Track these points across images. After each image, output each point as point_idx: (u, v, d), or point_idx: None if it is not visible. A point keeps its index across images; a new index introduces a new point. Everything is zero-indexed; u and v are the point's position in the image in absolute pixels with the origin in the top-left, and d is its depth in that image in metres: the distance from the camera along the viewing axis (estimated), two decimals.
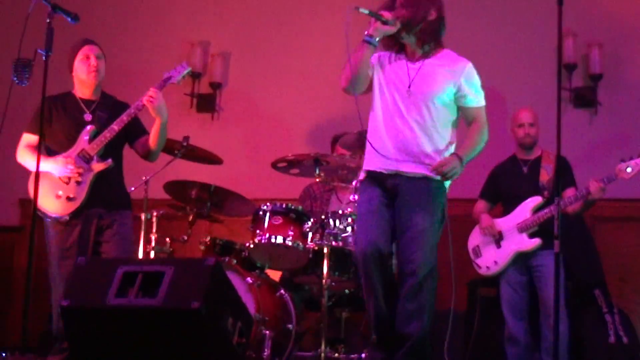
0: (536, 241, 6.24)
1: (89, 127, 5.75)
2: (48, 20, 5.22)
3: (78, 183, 5.66)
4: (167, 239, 6.44)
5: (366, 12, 4.91)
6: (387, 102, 5.09)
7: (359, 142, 6.29)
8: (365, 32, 4.95)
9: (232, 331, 4.58)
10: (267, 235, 6.17)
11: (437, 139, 5.07)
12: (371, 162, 5.14)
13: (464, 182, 7.43)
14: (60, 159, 5.67)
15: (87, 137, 5.72)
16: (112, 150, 5.78)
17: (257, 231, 6.24)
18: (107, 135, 5.69)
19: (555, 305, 4.89)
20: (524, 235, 6.29)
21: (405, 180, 5.03)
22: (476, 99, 5.18)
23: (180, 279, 4.42)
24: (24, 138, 5.90)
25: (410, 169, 5.02)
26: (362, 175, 5.25)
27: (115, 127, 5.70)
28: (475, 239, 6.59)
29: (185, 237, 6.48)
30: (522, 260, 6.33)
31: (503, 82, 7.66)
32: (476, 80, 5.17)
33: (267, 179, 7.54)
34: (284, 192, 7.47)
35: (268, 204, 6.32)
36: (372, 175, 5.13)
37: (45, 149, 5.76)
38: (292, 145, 7.66)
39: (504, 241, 6.39)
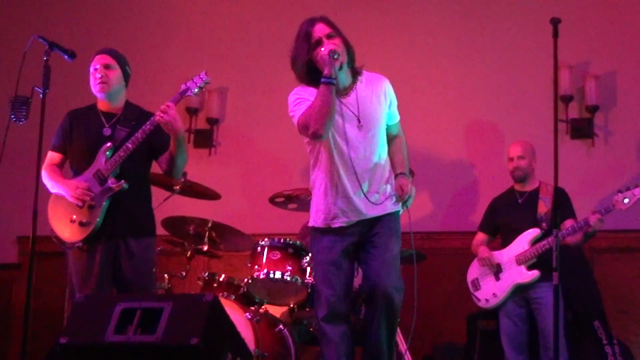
0: (535, 273, 6.23)
1: (107, 145, 5.41)
2: (45, 58, 5.25)
3: (91, 207, 5.37)
4: (166, 275, 6.42)
5: (335, 56, 4.82)
6: (341, 146, 4.96)
7: None
8: (323, 74, 4.81)
9: None
10: (266, 270, 6.17)
11: (386, 165, 5.05)
12: (336, 218, 5.00)
13: (460, 214, 7.49)
14: (72, 182, 5.45)
15: (104, 156, 5.40)
16: (131, 170, 5.43)
17: (256, 266, 6.24)
18: (121, 154, 5.34)
19: (554, 337, 4.89)
20: (523, 268, 6.29)
21: (375, 219, 4.99)
22: (397, 113, 5.16)
23: (178, 314, 4.40)
24: (48, 156, 5.64)
25: (378, 211, 4.98)
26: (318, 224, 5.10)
27: (130, 145, 5.32)
28: (474, 271, 6.58)
29: (184, 273, 6.47)
30: (521, 292, 6.32)
31: (500, 115, 7.70)
32: (394, 94, 5.13)
33: (265, 214, 7.55)
34: (282, 227, 7.47)
35: (266, 239, 6.32)
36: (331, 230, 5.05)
37: (70, 167, 5.62)
38: (290, 180, 7.67)
39: (502, 273, 6.39)
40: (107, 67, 5.55)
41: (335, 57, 4.81)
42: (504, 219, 6.57)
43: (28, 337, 5.10)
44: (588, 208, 6.28)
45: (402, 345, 6.24)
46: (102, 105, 5.61)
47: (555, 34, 5.03)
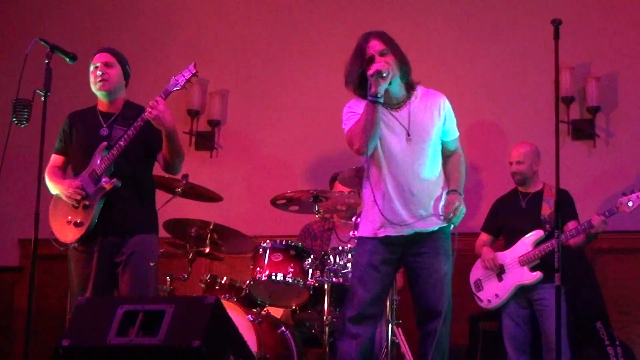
0: (537, 274, 6.23)
1: (103, 144, 5.41)
2: (47, 61, 5.25)
3: (86, 207, 5.38)
4: (167, 278, 6.41)
5: (375, 77, 4.84)
6: (389, 158, 5.02)
7: (358, 179, 6.31)
8: (370, 92, 4.86)
9: None
10: (267, 272, 6.16)
11: (438, 180, 5.08)
12: (382, 228, 5.05)
13: (465, 216, 7.47)
14: (66, 182, 5.46)
15: (99, 156, 5.40)
16: (126, 168, 5.42)
17: (257, 268, 6.24)
18: (114, 152, 5.34)
19: (557, 338, 4.90)
20: (526, 269, 6.29)
21: (420, 235, 5.02)
22: (455, 130, 5.20)
23: (180, 317, 4.40)
24: (51, 159, 5.68)
25: (423, 226, 5.01)
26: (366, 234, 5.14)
27: (122, 142, 5.32)
28: (477, 272, 6.59)
29: (186, 275, 6.46)
30: (523, 293, 6.32)
31: (502, 117, 7.70)
32: (452, 111, 5.17)
33: (266, 216, 7.55)
34: (284, 229, 7.47)
35: (268, 241, 6.31)
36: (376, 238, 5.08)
37: (72, 168, 5.62)
38: (291, 182, 7.67)
39: (505, 274, 6.39)
40: (107, 65, 5.55)
41: (384, 75, 4.83)
42: (507, 220, 6.57)
43: (30, 339, 5.10)
44: (589, 209, 6.28)
45: (404, 346, 6.25)
46: (101, 106, 5.62)
47: (557, 35, 5.03)
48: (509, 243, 6.49)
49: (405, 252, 5.04)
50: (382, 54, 4.98)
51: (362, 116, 4.93)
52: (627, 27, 7.65)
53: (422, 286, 5.02)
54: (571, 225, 6.25)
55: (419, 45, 7.95)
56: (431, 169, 5.04)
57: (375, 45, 5.02)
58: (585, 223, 6.15)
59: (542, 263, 6.23)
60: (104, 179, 5.35)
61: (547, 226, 6.33)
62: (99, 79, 5.52)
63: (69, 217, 5.44)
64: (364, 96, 5.00)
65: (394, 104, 5.07)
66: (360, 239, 5.19)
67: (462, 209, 4.97)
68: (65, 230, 5.46)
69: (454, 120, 5.17)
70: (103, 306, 4.68)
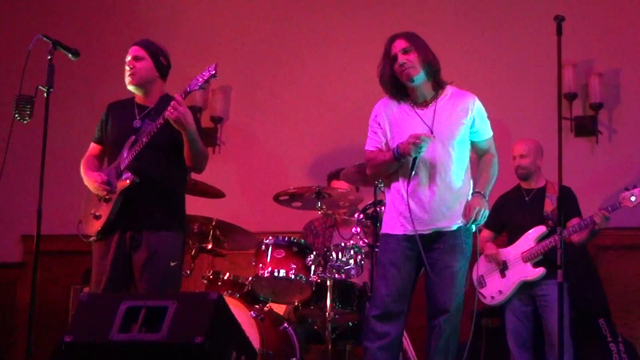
0: (540, 270, 6.23)
1: (131, 138, 5.32)
2: (49, 57, 5.25)
3: (106, 201, 5.31)
4: None
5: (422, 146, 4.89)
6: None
7: (361, 175, 6.32)
8: (399, 151, 4.91)
9: None
10: (270, 268, 6.16)
11: (462, 181, 5.06)
12: (398, 226, 5.08)
13: None
14: (94, 175, 5.38)
15: (127, 149, 5.32)
16: (150, 164, 5.31)
17: (260, 265, 6.24)
18: (136, 148, 5.25)
19: (559, 335, 4.89)
20: (529, 265, 6.29)
21: (439, 233, 5.03)
22: (487, 130, 5.20)
23: (183, 313, 4.41)
24: (89, 147, 5.64)
25: (444, 225, 5.01)
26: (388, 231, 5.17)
27: (144, 138, 5.23)
28: (480, 269, 6.57)
29: (188, 272, 6.45)
30: (526, 289, 6.32)
31: (505, 113, 7.67)
32: (484, 112, 5.17)
33: (269, 212, 7.55)
34: (286, 225, 7.47)
35: (270, 237, 6.31)
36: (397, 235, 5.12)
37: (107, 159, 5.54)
38: (294, 178, 7.67)
39: (508, 271, 6.39)
40: (136, 58, 5.47)
41: (422, 148, 4.86)
42: (510, 216, 6.56)
43: (32, 335, 5.10)
44: (592, 206, 6.27)
45: (407, 342, 6.26)
46: (138, 98, 5.53)
47: (559, 32, 5.02)
48: (512, 239, 6.49)
49: (424, 248, 5.02)
50: (405, 52, 5.02)
51: (380, 158, 5.06)
52: (630, 24, 7.65)
53: (432, 281, 5.02)
54: (574, 221, 6.24)
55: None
56: (455, 169, 5.03)
57: (399, 44, 5.06)
58: (588, 219, 6.14)
59: (545, 259, 6.23)
60: (124, 174, 5.28)
61: (550, 222, 6.33)
62: (127, 73, 5.45)
63: (93, 210, 5.40)
64: (395, 95, 5.09)
65: (420, 102, 5.08)
66: (382, 236, 5.20)
67: (484, 212, 4.96)
68: (89, 222, 5.41)
69: (486, 121, 5.17)
70: (106, 302, 4.68)
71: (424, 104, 5.07)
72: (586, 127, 7.54)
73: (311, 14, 8.45)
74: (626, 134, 7.49)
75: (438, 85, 5.09)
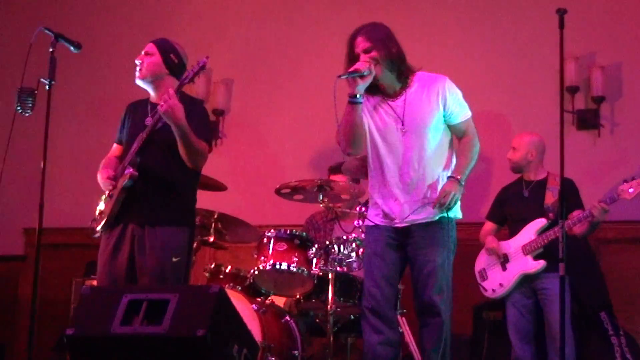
0: (541, 263, 6.22)
1: (141, 135, 5.30)
2: (51, 50, 5.25)
3: (110, 197, 5.32)
4: None
5: (345, 76, 4.86)
6: (384, 149, 5.04)
7: (364, 168, 6.31)
8: (348, 93, 4.88)
9: (237, 358, 4.57)
10: (272, 261, 6.16)
11: (439, 169, 5.05)
12: (379, 218, 5.11)
13: (469, 205, 7.46)
14: (102, 172, 5.38)
15: (135, 146, 5.31)
16: (152, 159, 5.30)
17: (262, 257, 6.24)
18: (137, 144, 5.28)
19: (561, 328, 4.89)
20: (529, 258, 6.28)
21: (417, 225, 5.01)
22: (462, 112, 5.14)
23: (185, 306, 4.41)
24: (112, 148, 5.63)
25: (421, 217, 5.00)
26: (368, 223, 5.21)
27: (144, 134, 5.26)
28: (481, 262, 6.58)
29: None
30: (527, 282, 6.32)
31: (506, 106, 7.69)
32: (457, 92, 5.12)
33: (271, 205, 7.55)
34: (288, 218, 7.47)
35: (272, 230, 6.31)
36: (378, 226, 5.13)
37: None
38: (296, 172, 7.65)
39: (509, 264, 6.38)
40: (146, 54, 5.48)
41: (365, 74, 4.84)
42: (511, 208, 6.56)
43: (34, 328, 5.11)
44: (594, 199, 6.25)
45: (408, 336, 6.26)
46: (152, 96, 5.52)
47: (561, 25, 5.02)
48: (513, 232, 6.49)
49: (405, 241, 5.04)
50: (366, 52, 4.96)
51: (342, 118, 4.95)
52: (632, 17, 7.63)
53: (416, 277, 5.03)
54: (575, 214, 6.23)
55: (422, 35, 7.95)
56: (430, 157, 5.02)
57: (360, 43, 5.01)
58: (587, 211, 6.13)
59: (545, 252, 6.22)
60: (126, 170, 5.27)
61: (550, 214, 6.32)
62: (136, 68, 5.46)
63: (102, 206, 5.42)
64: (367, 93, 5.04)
65: (390, 94, 5.06)
66: (366, 228, 5.23)
67: (456, 197, 4.92)
68: (98, 218, 5.42)
69: (460, 101, 5.13)
70: (108, 295, 4.69)
71: (394, 95, 5.04)
72: (588, 121, 7.54)
73: (313, 6, 8.44)
74: (628, 127, 7.48)
75: (404, 75, 5.05)
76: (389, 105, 5.03)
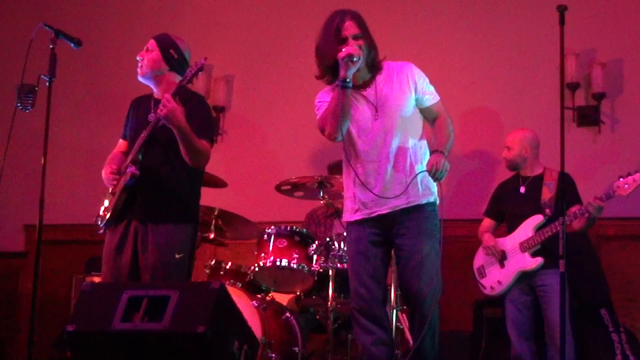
0: (538, 260, 6.21)
1: (143, 133, 5.31)
2: (51, 46, 5.25)
3: (113, 194, 5.32)
4: None
5: (348, 60, 4.81)
6: (359, 138, 5.01)
7: None
8: (339, 76, 4.82)
9: (237, 354, 4.57)
10: (272, 258, 6.18)
11: (416, 153, 5.02)
12: (358, 211, 5.04)
13: (470, 202, 7.47)
14: (105, 168, 5.38)
15: (139, 143, 5.32)
16: (153, 157, 5.31)
17: (262, 254, 6.25)
18: (139, 142, 5.29)
19: (561, 324, 4.89)
20: (527, 255, 6.27)
21: (399, 212, 4.97)
22: (432, 95, 5.11)
23: (185, 302, 4.41)
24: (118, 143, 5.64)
25: (402, 201, 4.94)
26: (347, 219, 5.14)
27: (143, 134, 5.27)
28: (479, 259, 6.58)
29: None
30: (526, 279, 6.31)
31: (506, 103, 7.68)
32: (424, 76, 5.10)
33: (271, 202, 7.55)
34: (288, 215, 7.47)
35: (272, 227, 6.32)
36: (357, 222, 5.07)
37: None
38: (296, 168, 7.66)
39: (507, 261, 6.38)
40: (146, 50, 5.50)
41: (354, 60, 4.81)
42: (508, 205, 6.55)
43: (35, 324, 5.11)
44: (594, 195, 6.26)
45: (408, 334, 6.26)
46: (155, 92, 5.53)
47: (562, 22, 5.01)
48: (511, 228, 6.48)
49: (389, 232, 5.00)
50: (355, 38, 4.94)
51: (331, 101, 4.92)
52: (633, 14, 7.63)
53: (403, 268, 4.98)
54: (573, 209, 6.22)
55: (421, 33, 7.96)
56: (406, 143, 4.99)
57: (350, 27, 4.97)
58: (583, 207, 6.12)
59: (543, 248, 6.22)
60: (128, 168, 5.28)
61: (547, 210, 6.31)
62: (138, 65, 5.47)
63: (106, 203, 5.42)
64: (333, 79, 5.00)
65: (360, 84, 5.02)
66: (347, 228, 5.18)
67: (446, 165, 4.84)
68: (102, 214, 5.42)
69: (429, 85, 5.10)
70: (108, 291, 4.69)
71: (364, 84, 5.01)
72: (588, 117, 7.53)
73: (313, 3, 8.43)
74: (628, 123, 7.48)
75: (374, 66, 5.02)
76: (361, 94, 5.00)
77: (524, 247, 6.28)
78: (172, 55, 5.50)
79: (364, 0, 7.82)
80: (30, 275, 5.32)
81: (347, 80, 4.83)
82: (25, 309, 8.03)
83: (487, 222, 6.66)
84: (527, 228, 6.32)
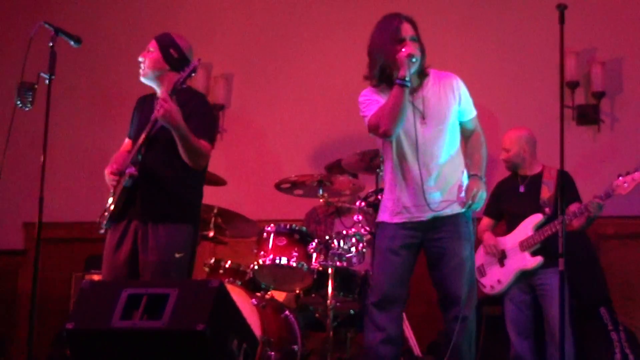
0: (538, 259, 6.22)
1: (143, 134, 5.29)
2: (51, 44, 5.24)
3: (114, 194, 5.32)
4: None
5: (414, 59, 4.86)
6: (405, 143, 5.01)
7: (363, 163, 6.32)
8: (398, 76, 4.85)
9: (237, 353, 4.57)
10: (272, 256, 6.17)
11: (457, 163, 5.07)
12: (399, 214, 5.06)
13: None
14: (107, 167, 5.37)
15: (137, 144, 5.31)
16: (153, 157, 5.29)
17: (262, 252, 6.25)
18: (139, 142, 5.28)
19: (560, 323, 4.89)
20: (526, 254, 6.28)
21: (439, 218, 5.00)
22: (472, 109, 5.18)
23: (185, 300, 4.41)
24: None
25: (440, 209, 4.97)
26: (385, 219, 5.14)
27: (143, 134, 5.25)
28: (479, 258, 6.57)
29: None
30: (525, 278, 6.31)
31: (506, 101, 7.68)
32: (467, 90, 5.16)
33: (271, 200, 7.55)
34: (288, 213, 7.47)
35: (272, 225, 6.32)
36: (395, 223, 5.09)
37: None
38: (296, 166, 7.66)
39: (507, 260, 6.38)
40: (147, 51, 5.48)
41: (413, 60, 4.85)
42: (507, 204, 6.55)
43: (34, 322, 5.11)
44: (593, 194, 6.27)
45: (408, 331, 6.27)
46: (158, 91, 5.50)
47: (562, 20, 5.01)
48: (510, 227, 6.48)
49: (425, 236, 5.03)
50: (412, 40, 4.98)
51: (389, 100, 4.90)
52: (633, 12, 7.63)
53: (441, 271, 5.01)
54: (573, 207, 6.22)
55: (421, 31, 7.92)
56: (449, 152, 5.03)
57: (408, 30, 5.01)
58: (582, 206, 6.12)
59: (542, 247, 6.22)
60: (127, 170, 5.26)
61: (547, 209, 6.31)
62: (140, 66, 5.46)
63: (109, 202, 5.41)
64: (382, 80, 5.03)
65: (409, 90, 5.02)
66: (380, 223, 5.17)
67: (482, 195, 4.92)
68: (104, 213, 5.41)
69: (470, 99, 5.16)
70: (107, 289, 4.69)
71: (412, 91, 5.00)
72: (588, 116, 7.54)
73: (313, 1, 8.44)
74: (628, 122, 7.49)
75: (423, 72, 5.06)
76: (409, 100, 5.01)
77: (523, 246, 6.29)
78: (173, 54, 5.47)
79: (364, 1, 7.89)
80: (30, 273, 5.30)
81: (407, 79, 4.85)
82: (24, 306, 8.03)
83: (487, 221, 6.66)
84: (527, 227, 6.33)
